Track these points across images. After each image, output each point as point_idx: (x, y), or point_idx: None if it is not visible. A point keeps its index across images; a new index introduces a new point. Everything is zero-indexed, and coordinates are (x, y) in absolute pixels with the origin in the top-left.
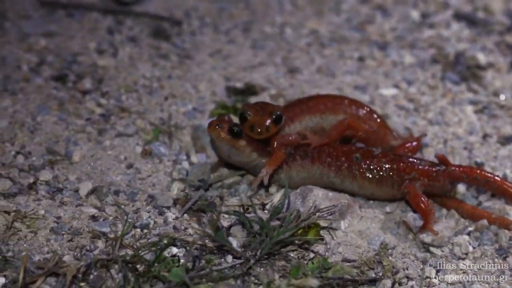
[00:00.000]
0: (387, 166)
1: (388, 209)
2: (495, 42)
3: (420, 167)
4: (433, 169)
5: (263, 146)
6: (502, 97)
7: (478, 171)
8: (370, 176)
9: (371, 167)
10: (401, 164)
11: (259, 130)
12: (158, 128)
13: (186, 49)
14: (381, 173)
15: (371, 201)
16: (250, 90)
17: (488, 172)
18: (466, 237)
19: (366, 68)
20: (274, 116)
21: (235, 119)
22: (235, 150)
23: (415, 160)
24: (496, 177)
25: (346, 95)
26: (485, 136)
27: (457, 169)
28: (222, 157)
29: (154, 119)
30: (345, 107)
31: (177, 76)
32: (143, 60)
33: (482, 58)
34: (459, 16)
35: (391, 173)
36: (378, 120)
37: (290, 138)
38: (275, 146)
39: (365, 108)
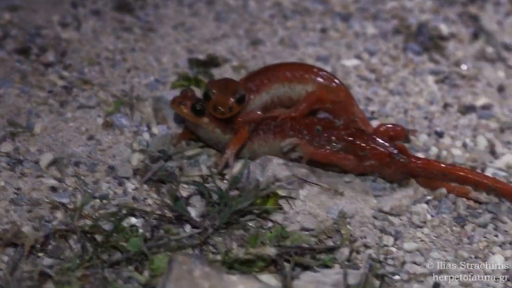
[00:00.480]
0: (345, 139)
1: (347, 178)
2: (458, 13)
3: (375, 148)
4: (388, 155)
5: (227, 123)
6: (464, 67)
7: (436, 165)
8: (329, 148)
9: (331, 139)
10: (359, 140)
11: (222, 110)
12: (119, 100)
13: (149, 22)
14: (339, 146)
15: (330, 171)
16: (212, 62)
17: (448, 164)
18: (425, 205)
19: (329, 39)
20: (237, 96)
21: (198, 93)
22: (199, 127)
23: (375, 140)
24: (455, 169)
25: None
26: (446, 106)
27: (414, 163)
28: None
29: (116, 91)
30: (314, 77)
31: (140, 48)
32: (106, 33)
33: (444, 28)
34: None
35: (347, 147)
36: (345, 90)
37: (254, 115)
38: (239, 124)
39: (333, 78)
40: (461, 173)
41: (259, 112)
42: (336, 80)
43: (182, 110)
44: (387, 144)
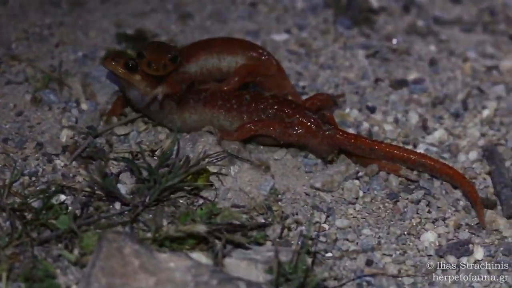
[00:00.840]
0: (273, 108)
1: (277, 155)
2: None
3: (303, 116)
4: (315, 123)
5: (158, 81)
6: (394, 41)
7: (363, 140)
8: (257, 117)
9: (258, 107)
10: (286, 108)
11: (155, 67)
12: (48, 76)
13: None
14: (268, 115)
15: (261, 147)
16: (141, 36)
17: (374, 140)
18: (357, 181)
19: (258, 13)
20: (171, 55)
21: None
22: (130, 85)
23: (302, 109)
24: (382, 144)
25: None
26: (377, 81)
27: (341, 135)
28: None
29: (44, 66)
30: (244, 49)
31: (68, 23)
32: (33, 8)
33: (374, 2)
34: None
35: (275, 116)
36: (276, 64)
37: (185, 75)
38: (171, 79)
39: (264, 51)
40: (388, 149)
41: (190, 74)
42: (266, 53)
43: (115, 67)
44: (315, 115)
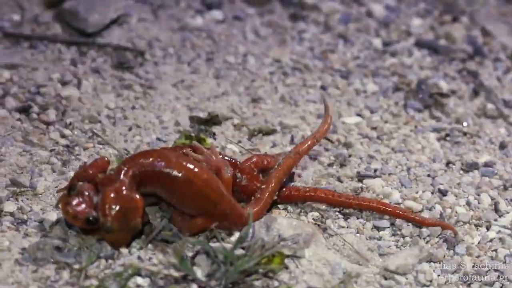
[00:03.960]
0: None
1: (348, 238)
2: (457, 70)
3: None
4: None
5: None
6: (465, 124)
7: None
8: None
9: None
10: None
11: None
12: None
13: (149, 80)
14: None
15: (335, 228)
16: (213, 119)
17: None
18: (431, 264)
19: (329, 96)
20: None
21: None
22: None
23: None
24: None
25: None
26: (448, 163)
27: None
28: None
29: (118, 149)
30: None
31: (140, 106)
32: (106, 91)
33: (444, 85)
34: (421, 44)
35: None
36: None
37: None
38: None
39: None
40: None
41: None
42: None
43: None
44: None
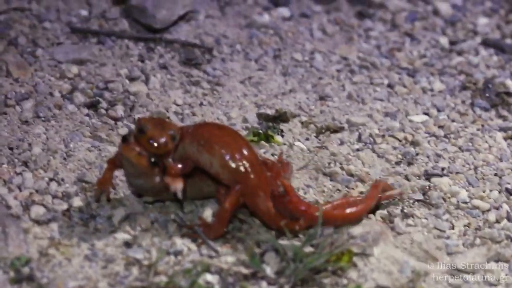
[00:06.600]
0: None
1: (416, 237)
2: None
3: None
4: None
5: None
6: None
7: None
8: None
9: None
10: None
11: (156, 144)
12: None
13: (217, 76)
14: None
15: (403, 227)
16: (281, 117)
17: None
18: (499, 263)
19: (396, 94)
20: (170, 133)
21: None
22: (145, 175)
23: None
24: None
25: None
26: None
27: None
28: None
29: None
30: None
31: (208, 103)
32: (174, 87)
33: (511, 84)
34: (487, 43)
35: None
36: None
37: (181, 166)
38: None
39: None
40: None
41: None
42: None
43: (140, 160)
44: None
